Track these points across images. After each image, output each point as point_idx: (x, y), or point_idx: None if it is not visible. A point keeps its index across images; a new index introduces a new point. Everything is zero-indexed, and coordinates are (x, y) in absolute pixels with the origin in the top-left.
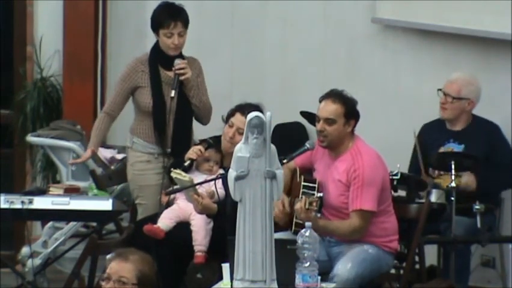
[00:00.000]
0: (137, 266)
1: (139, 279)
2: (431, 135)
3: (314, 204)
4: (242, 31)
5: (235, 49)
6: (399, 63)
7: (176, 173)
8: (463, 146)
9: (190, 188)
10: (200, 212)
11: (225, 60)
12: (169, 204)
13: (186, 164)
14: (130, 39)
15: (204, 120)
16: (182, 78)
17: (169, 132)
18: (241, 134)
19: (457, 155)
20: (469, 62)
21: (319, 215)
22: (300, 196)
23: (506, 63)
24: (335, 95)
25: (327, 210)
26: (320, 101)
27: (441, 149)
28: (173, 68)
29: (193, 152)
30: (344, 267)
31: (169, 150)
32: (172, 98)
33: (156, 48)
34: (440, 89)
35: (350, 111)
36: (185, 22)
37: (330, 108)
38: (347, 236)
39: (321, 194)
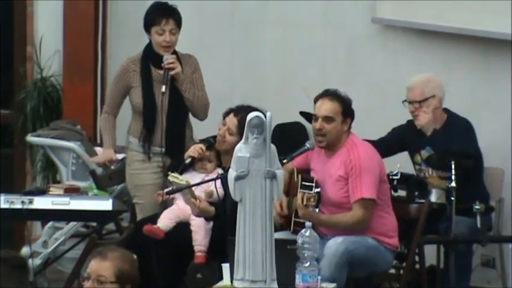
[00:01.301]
0: (116, 264)
1: (118, 277)
2: (412, 136)
3: (312, 200)
4: (242, 31)
5: (235, 49)
6: (399, 63)
7: (174, 177)
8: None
9: (187, 189)
10: (198, 215)
11: (224, 60)
12: (167, 203)
13: (187, 161)
14: (130, 39)
15: (200, 115)
16: (172, 73)
17: (161, 131)
18: (232, 134)
19: (457, 155)
20: (469, 62)
21: (317, 210)
22: (298, 193)
23: (506, 63)
24: (332, 94)
25: (327, 208)
26: (315, 101)
27: (422, 153)
28: (162, 64)
29: (194, 150)
30: (334, 241)
31: (163, 149)
32: (163, 93)
33: (149, 48)
34: (405, 100)
35: (347, 109)
36: (177, 21)
37: (328, 107)
38: (350, 228)
39: (318, 190)
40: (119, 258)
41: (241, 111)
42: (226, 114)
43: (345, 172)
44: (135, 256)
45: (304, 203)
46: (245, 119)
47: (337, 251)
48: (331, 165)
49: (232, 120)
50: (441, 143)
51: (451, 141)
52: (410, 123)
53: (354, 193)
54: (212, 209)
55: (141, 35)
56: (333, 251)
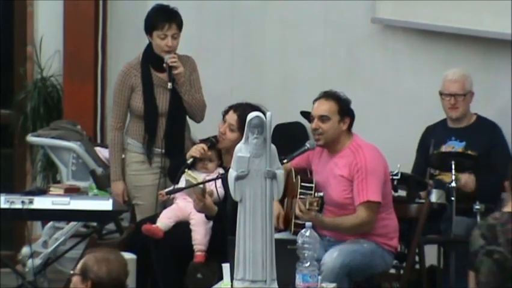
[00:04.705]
0: (86, 259)
1: (81, 270)
2: (434, 135)
3: (315, 204)
4: (242, 31)
5: (235, 49)
6: (399, 63)
7: (189, 175)
8: (463, 143)
9: (192, 187)
10: (199, 211)
11: (225, 60)
12: (167, 203)
13: (189, 161)
14: (130, 39)
15: (197, 117)
16: (175, 72)
17: (161, 133)
18: (232, 130)
19: (457, 155)
20: (469, 62)
21: (320, 215)
22: (298, 197)
23: (506, 63)
24: (328, 94)
25: (329, 209)
26: (314, 103)
27: (443, 148)
28: (164, 64)
29: (196, 150)
30: (330, 256)
31: (162, 151)
32: (169, 89)
33: (148, 51)
34: (444, 93)
35: (344, 108)
36: (179, 25)
37: (323, 107)
38: (355, 230)
39: (321, 194)
40: (94, 257)
41: (241, 107)
42: (225, 113)
43: (349, 174)
44: (129, 260)
45: (307, 207)
46: (245, 114)
47: (334, 268)
48: (333, 166)
49: (232, 116)
50: (469, 139)
51: (479, 139)
52: (429, 128)
53: (359, 195)
54: (215, 207)
55: (141, 35)
56: (330, 268)
